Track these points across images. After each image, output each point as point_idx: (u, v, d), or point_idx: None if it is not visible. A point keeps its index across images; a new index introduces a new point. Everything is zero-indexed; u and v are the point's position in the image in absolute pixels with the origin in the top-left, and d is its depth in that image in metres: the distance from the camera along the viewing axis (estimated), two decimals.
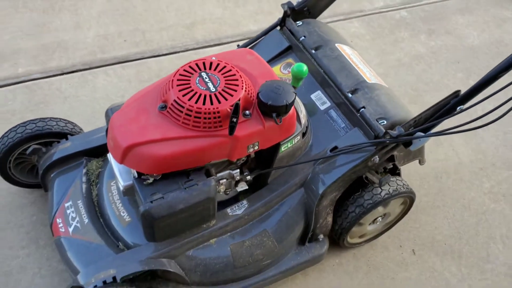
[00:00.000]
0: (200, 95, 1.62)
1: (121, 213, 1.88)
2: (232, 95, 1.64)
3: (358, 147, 1.81)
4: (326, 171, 1.85)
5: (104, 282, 1.67)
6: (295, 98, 1.66)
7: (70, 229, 1.89)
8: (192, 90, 1.63)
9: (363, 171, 1.90)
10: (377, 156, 1.84)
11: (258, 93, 1.65)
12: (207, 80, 1.67)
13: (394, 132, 1.75)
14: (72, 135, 2.09)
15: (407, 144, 1.84)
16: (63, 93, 2.64)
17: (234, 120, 1.58)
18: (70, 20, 3.02)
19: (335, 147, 1.87)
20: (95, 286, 1.64)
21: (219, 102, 1.61)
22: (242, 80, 1.68)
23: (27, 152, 2.00)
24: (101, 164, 2.06)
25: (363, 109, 1.86)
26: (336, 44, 2.08)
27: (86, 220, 1.89)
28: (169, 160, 1.61)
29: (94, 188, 1.99)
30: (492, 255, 2.26)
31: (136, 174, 1.68)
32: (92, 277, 1.71)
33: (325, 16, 3.15)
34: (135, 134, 1.62)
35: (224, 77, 1.68)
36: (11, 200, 2.21)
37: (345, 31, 3.18)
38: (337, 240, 2.07)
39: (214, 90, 1.64)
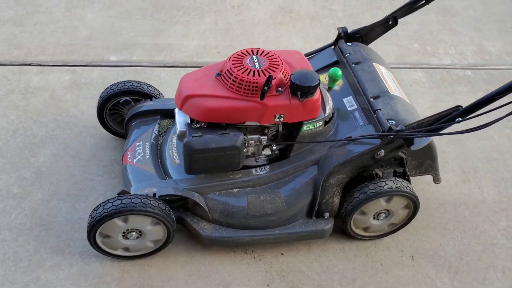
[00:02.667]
0: (246, 69, 2.15)
1: (174, 157, 2.42)
2: (270, 74, 2.15)
3: (366, 137, 2.19)
4: (337, 154, 2.24)
5: (147, 195, 2.19)
6: (318, 84, 2.10)
7: (135, 160, 2.46)
8: (242, 65, 2.17)
9: (370, 162, 2.25)
10: (383, 150, 2.20)
11: (290, 75, 2.14)
12: (255, 61, 2.19)
13: (396, 128, 2.11)
14: (156, 98, 2.72)
15: (410, 143, 2.17)
16: (160, 79, 3.34)
17: (266, 88, 2.07)
18: (181, 31, 3.79)
19: (349, 137, 2.26)
20: (139, 195, 2.16)
21: (259, 76, 2.12)
22: (282, 66, 2.18)
23: (121, 101, 2.65)
24: (170, 123, 2.64)
25: (378, 110, 2.25)
26: (373, 63, 2.51)
27: (148, 156, 2.46)
28: (214, 111, 2.13)
29: (160, 138, 2.57)
30: (489, 280, 2.40)
31: (189, 121, 2.22)
32: (139, 191, 2.25)
33: (389, 62, 3.59)
34: (194, 88, 2.18)
35: (269, 61, 2.20)
36: (100, 141, 2.87)
37: (407, 76, 3.56)
38: (342, 224, 2.39)
39: (258, 67, 2.16)
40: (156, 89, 2.76)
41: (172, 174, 2.37)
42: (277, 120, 2.19)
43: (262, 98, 2.09)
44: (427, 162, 2.38)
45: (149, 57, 3.52)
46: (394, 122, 2.18)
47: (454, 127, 2.10)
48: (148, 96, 2.70)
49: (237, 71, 2.14)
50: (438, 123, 2.11)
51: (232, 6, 4.09)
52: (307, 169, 2.31)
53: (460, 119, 2.05)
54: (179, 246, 2.42)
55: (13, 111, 3.04)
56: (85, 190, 2.63)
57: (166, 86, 3.26)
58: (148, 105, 2.65)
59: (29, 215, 2.50)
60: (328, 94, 2.39)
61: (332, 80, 2.40)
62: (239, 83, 2.12)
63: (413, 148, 2.18)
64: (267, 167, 2.33)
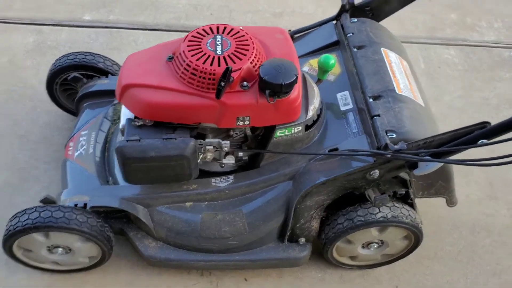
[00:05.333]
0: (204, 54, 1.63)
1: None
2: (235, 62, 1.62)
3: (354, 154, 1.66)
4: (317, 170, 1.73)
5: (76, 205, 1.77)
6: (293, 82, 1.57)
7: (76, 154, 2.02)
8: (200, 48, 1.65)
9: (360, 184, 1.74)
10: (377, 171, 1.67)
11: (260, 67, 1.60)
12: (218, 43, 1.67)
13: (394, 146, 1.57)
14: (113, 75, 2.24)
15: (413, 166, 1.63)
16: (137, 45, 2.84)
17: (222, 84, 1.55)
18: None
19: (336, 149, 1.73)
20: (63, 206, 1.73)
21: (219, 65, 1.60)
22: (252, 52, 1.65)
23: (69, 77, 2.19)
24: None
25: (377, 117, 1.70)
26: (381, 48, 1.93)
27: (91, 150, 2.01)
28: (157, 108, 1.65)
29: (113, 126, 2.11)
30: None
31: (132, 116, 1.74)
32: (68, 198, 1.82)
33: (417, 36, 2.96)
34: (136, 75, 1.69)
35: (236, 44, 1.67)
36: (54, 121, 2.44)
37: (435, 55, 2.92)
38: (322, 249, 1.92)
39: (220, 53, 1.63)
40: (116, 63, 2.28)
41: (117, 174, 1.93)
42: (241, 123, 1.68)
43: (217, 96, 1.58)
44: (439, 184, 1.84)
45: (129, 17, 3.00)
46: (394, 136, 1.63)
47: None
48: (104, 73, 2.22)
49: (192, 56, 1.62)
50: (453, 144, 1.56)
51: None
52: (279, 184, 1.81)
53: (485, 141, 1.49)
54: (123, 260, 2.01)
55: None
56: (27, 180, 2.23)
57: None
58: (101, 84, 2.19)
59: None
60: (315, 88, 1.84)
61: (323, 70, 1.85)
62: (192, 73, 1.61)
63: (416, 172, 1.64)
64: (231, 177, 1.85)
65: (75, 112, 2.36)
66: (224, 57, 1.62)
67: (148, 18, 3.00)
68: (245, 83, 1.63)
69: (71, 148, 2.05)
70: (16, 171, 2.26)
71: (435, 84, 2.77)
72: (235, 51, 1.65)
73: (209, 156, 1.80)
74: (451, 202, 1.97)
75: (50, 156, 2.32)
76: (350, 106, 1.86)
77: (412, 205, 1.85)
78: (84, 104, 2.20)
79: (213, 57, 1.62)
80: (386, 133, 1.64)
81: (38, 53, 2.76)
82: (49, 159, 2.31)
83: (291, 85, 1.58)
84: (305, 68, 2.03)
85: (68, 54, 2.22)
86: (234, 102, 1.62)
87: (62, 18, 2.97)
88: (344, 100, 1.89)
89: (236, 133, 1.80)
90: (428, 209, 2.22)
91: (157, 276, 1.98)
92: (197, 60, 1.61)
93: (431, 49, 2.97)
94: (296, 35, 2.20)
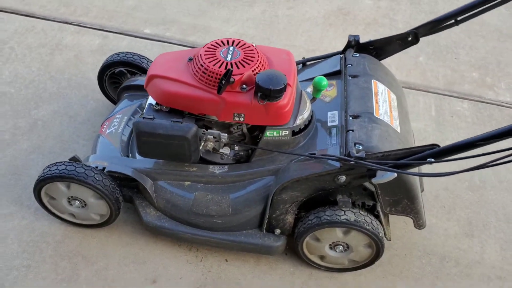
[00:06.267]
0: (216, 58, 2.01)
1: None
2: (238, 68, 1.99)
3: (323, 157, 1.95)
4: (294, 168, 2.02)
5: (96, 167, 2.16)
6: (282, 89, 1.90)
7: (108, 131, 2.44)
8: (214, 54, 2.04)
9: (331, 186, 2.00)
10: (344, 176, 1.94)
11: (257, 73, 1.96)
12: (230, 52, 2.05)
13: (356, 154, 1.85)
14: None
15: (372, 175, 1.89)
16: None
17: (223, 82, 1.92)
18: (224, 15, 3.70)
19: (313, 153, 2.02)
20: (86, 165, 2.13)
21: (226, 68, 1.97)
22: (255, 63, 2.01)
23: (116, 71, 2.65)
24: None
25: (350, 131, 1.99)
26: (372, 79, 2.22)
27: (120, 130, 2.42)
28: (173, 96, 2.03)
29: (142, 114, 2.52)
30: None
31: (154, 103, 2.14)
32: (92, 161, 2.23)
33: (434, 87, 3.22)
34: (161, 69, 2.09)
35: (245, 54, 2.04)
36: (99, 108, 2.91)
37: (449, 106, 3.14)
38: (294, 243, 2.17)
39: (229, 60, 2.01)
40: None
41: (136, 152, 2.31)
42: (237, 119, 2.03)
43: (218, 92, 1.94)
44: (404, 202, 2.06)
45: (182, 35, 3.49)
46: (360, 148, 1.91)
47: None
48: (146, 72, 2.66)
49: (206, 59, 2.01)
50: (407, 159, 1.81)
51: (287, 0, 3.92)
52: (264, 178, 2.12)
53: (433, 160, 1.74)
54: (128, 226, 2.37)
55: (37, 63, 3.18)
56: (66, 150, 2.68)
57: None
58: (141, 80, 2.61)
59: (8, 162, 2.60)
60: (308, 104, 2.16)
61: (316, 89, 2.17)
62: (203, 72, 2.00)
63: (374, 180, 1.90)
64: (226, 167, 2.18)
65: (116, 101, 2.82)
66: (231, 63, 2.00)
67: (198, 39, 3.47)
68: (244, 86, 1.98)
69: (105, 126, 2.48)
70: (61, 142, 2.72)
71: (441, 130, 2.99)
72: (241, 60, 2.02)
73: (210, 145, 2.15)
74: (418, 224, 2.17)
75: (89, 135, 2.76)
76: (336, 123, 2.16)
77: (377, 217, 2.09)
78: (125, 95, 2.63)
79: (222, 62, 2.00)
80: (355, 145, 1.92)
81: (100, 53, 3.28)
82: (88, 137, 2.75)
83: (279, 92, 1.91)
84: (308, 89, 2.36)
85: (120, 52, 2.69)
86: (232, 99, 1.97)
87: (127, 29, 3.50)
88: (332, 117, 2.19)
89: (235, 129, 2.14)
90: (404, 234, 2.43)
91: (153, 243, 2.31)
92: (209, 62, 2.00)
93: (446, 100, 3.19)
94: (308, 62, 2.55)
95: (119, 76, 2.66)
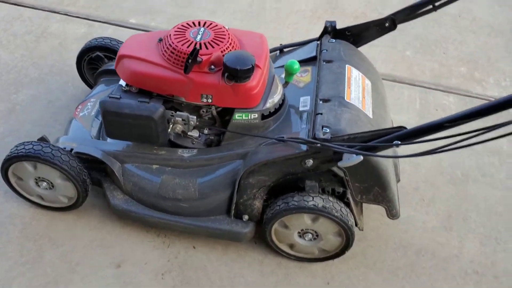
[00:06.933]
0: (185, 38, 1.98)
1: None
2: (207, 48, 1.96)
3: (289, 140, 1.90)
4: (262, 152, 1.98)
5: (64, 148, 2.13)
6: (249, 69, 1.87)
7: (81, 114, 2.41)
8: (183, 35, 2.00)
9: (299, 170, 1.95)
10: (311, 160, 1.89)
11: (225, 54, 1.92)
12: (200, 33, 2.02)
13: (321, 136, 1.80)
14: None
15: (338, 158, 1.84)
16: None
17: (189, 61, 1.88)
18: (212, 7, 3.68)
19: (282, 137, 1.98)
20: (53, 145, 2.10)
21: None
22: (225, 44, 1.98)
23: (93, 56, 2.62)
24: None
25: (319, 114, 1.94)
26: (347, 65, 2.18)
27: (93, 114, 2.39)
28: (141, 76, 2.00)
29: None
30: None
31: (124, 84, 2.10)
32: (61, 142, 2.20)
33: (420, 81, 3.15)
34: (131, 49, 2.06)
35: (214, 36, 2.00)
36: (79, 94, 2.88)
37: (434, 99, 3.08)
38: (262, 230, 2.12)
39: (199, 39, 1.98)
40: None
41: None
42: (204, 100, 1.99)
43: (185, 71, 1.91)
44: (375, 189, 2.00)
45: (167, 25, 3.46)
46: (328, 131, 1.86)
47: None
48: None
49: (175, 39, 1.98)
50: (374, 142, 1.76)
51: None
52: (232, 162, 2.07)
53: (399, 142, 1.69)
54: (96, 210, 2.33)
55: (21, 50, 3.17)
56: (43, 134, 2.63)
57: None
58: None
59: None
60: (280, 87, 2.12)
61: (288, 73, 2.13)
62: (171, 52, 1.97)
63: (340, 164, 1.85)
64: (195, 151, 2.14)
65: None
66: (200, 44, 1.96)
67: None
68: (212, 66, 1.95)
69: (78, 110, 2.45)
70: (38, 126, 2.70)
71: (424, 122, 2.92)
72: (211, 40, 1.99)
73: (179, 127, 2.11)
74: (391, 214, 2.11)
75: (67, 121, 2.71)
76: (307, 108, 2.11)
77: (348, 205, 2.04)
78: (101, 79, 2.61)
79: (191, 42, 1.96)
80: (322, 128, 1.87)
81: (84, 41, 3.20)
82: (65, 122, 2.70)
83: (246, 72, 1.87)
84: (283, 75, 2.32)
85: (98, 37, 2.66)
86: (200, 80, 1.94)
87: (113, 18, 3.49)
88: (304, 102, 2.15)
89: (204, 111, 2.10)
90: (380, 225, 2.37)
91: (121, 228, 2.28)
92: (177, 42, 1.96)
93: (431, 93, 3.14)
94: (285, 49, 2.51)
95: (96, 61, 2.64)
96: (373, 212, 2.39)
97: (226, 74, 1.90)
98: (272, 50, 2.52)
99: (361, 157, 1.78)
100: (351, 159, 1.80)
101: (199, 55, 1.91)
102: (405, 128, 1.73)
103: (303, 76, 2.28)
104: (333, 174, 1.99)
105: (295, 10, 3.73)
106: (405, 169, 2.61)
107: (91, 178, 2.22)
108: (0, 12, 3.46)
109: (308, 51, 2.38)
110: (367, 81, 2.20)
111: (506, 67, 3.38)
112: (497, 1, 3.96)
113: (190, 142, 2.18)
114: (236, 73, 1.87)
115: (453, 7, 3.83)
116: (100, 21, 3.45)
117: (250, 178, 2.00)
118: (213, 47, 1.97)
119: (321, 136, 1.81)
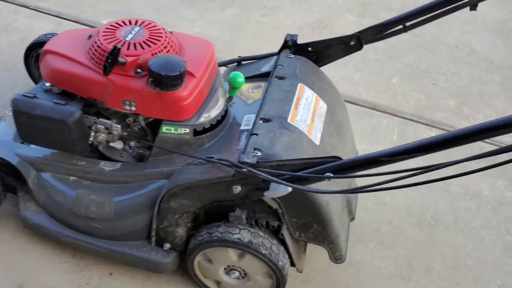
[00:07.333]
0: (113, 37, 1.76)
1: None
2: (136, 49, 1.73)
3: (217, 162, 1.64)
4: (187, 173, 1.72)
5: None
6: (175, 76, 1.64)
7: (10, 114, 2.18)
8: (113, 33, 1.78)
9: (227, 197, 1.69)
10: (239, 186, 1.63)
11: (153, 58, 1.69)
12: (133, 33, 1.80)
13: (245, 160, 1.54)
14: None
15: (265, 187, 1.58)
16: None
17: (109, 61, 1.65)
18: (192, 15, 3.49)
19: (211, 157, 1.72)
20: None
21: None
22: (159, 47, 1.75)
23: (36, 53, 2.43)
24: None
25: (254, 135, 1.69)
26: (299, 83, 1.92)
27: None
28: (59, 74, 1.79)
29: None
30: None
31: (48, 83, 1.88)
32: None
33: (403, 111, 2.89)
34: (57, 45, 1.85)
35: (148, 37, 1.78)
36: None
37: (414, 132, 2.80)
38: (185, 262, 1.85)
39: (129, 39, 1.76)
40: None
41: None
42: (127, 107, 1.75)
43: (104, 72, 1.68)
44: (314, 227, 1.73)
45: (98, 18, 3.28)
46: (259, 154, 1.60)
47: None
48: None
49: (102, 37, 1.76)
50: (304, 172, 1.49)
51: (263, 7, 3.68)
52: (156, 181, 1.82)
53: (331, 174, 1.42)
54: (11, 220, 2.08)
55: None
56: None
57: None
58: None
59: None
60: (220, 102, 1.87)
61: (232, 87, 1.89)
62: (95, 50, 1.75)
63: (266, 194, 1.58)
64: (118, 164, 1.89)
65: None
66: (128, 44, 1.74)
67: None
68: (139, 70, 1.72)
69: (8, 110, 2.22)
70: None
71: None
72: (143, 41, 1.76)
73: (101, 136, 1.87)
74: (334, 257, 1.83)
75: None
76: (249, 127, 1.85)
77: (283, 242, 1.76)
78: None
79: (119, 41, 1.74)
80: (254, 150, 1.61)
81: None
82: None
83: (172, 79, 1.64)
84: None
85: (47, 33, 2.47)
86: (122, 83, 1.71)
87: (84, 18, 3.31)
88: (247, 121, 1.89)
89: (130, 121, 1.85)
90: (328, 267, 2.09)
91: (34, 244, 2.03)
92: (104, 40, 1.74)
93: (412, 125, 2.86)
94: (243, 62, 2.27)
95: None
96: (322, 252, 2.10)
97: (150, 80, 1.67)
98: (229, 62, 2.28)
99: (289, 189, 1.51)
100: (277, 190, 1.53)
101: (123, 56, 1.68)
102: (340, 159, 1.46)
103: (255, 92, 2.03)
104: (268, 205, 1.73)
105: (281, 26, 3.51)
106: (368, 207, 2.33)
107: (7, 185, 1.99)
108: None
109: (263, 66, 2.14)
110: (322, 103, 1.94)
111: (499, 105, 3.09)
112: (499, 35, 3.69)
113: (119, 154, 1.94)
114: (161, 79, 1.63)
115: (451, 37, 3.63)
116: (70, 20, 3.28)
117: (171, 202, 1.74)
118: (143, 48, 1.74)
119: (246, 159, 1.55)
